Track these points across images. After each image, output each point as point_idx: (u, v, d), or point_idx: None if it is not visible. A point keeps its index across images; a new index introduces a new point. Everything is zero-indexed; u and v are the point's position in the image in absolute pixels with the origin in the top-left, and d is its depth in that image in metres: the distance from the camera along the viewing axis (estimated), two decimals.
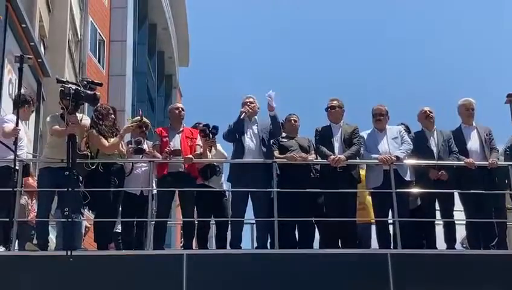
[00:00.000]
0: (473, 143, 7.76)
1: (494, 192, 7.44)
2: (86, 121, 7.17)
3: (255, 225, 7.76)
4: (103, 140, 7.16)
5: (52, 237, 7.85)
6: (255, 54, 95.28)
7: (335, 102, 7.75)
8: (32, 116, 8.77)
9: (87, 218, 8.26)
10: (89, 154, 7.07)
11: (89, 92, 6.37)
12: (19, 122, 6.81)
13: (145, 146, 7.51)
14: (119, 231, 7.87)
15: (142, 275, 6.56)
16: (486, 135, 7.78)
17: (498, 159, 7.66)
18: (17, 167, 6.68)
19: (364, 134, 7.73)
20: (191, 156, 7.38)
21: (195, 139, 7.63)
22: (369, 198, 7.92)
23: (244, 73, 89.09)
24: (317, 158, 7.60)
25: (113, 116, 7.46)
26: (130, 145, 7.54)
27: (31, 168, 7.78)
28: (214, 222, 7.98)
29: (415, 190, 7.54)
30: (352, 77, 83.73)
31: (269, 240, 7.36)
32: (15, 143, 6.53)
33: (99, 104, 7.08)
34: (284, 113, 8.02)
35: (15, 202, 6.68)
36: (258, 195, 7.30)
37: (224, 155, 7.98)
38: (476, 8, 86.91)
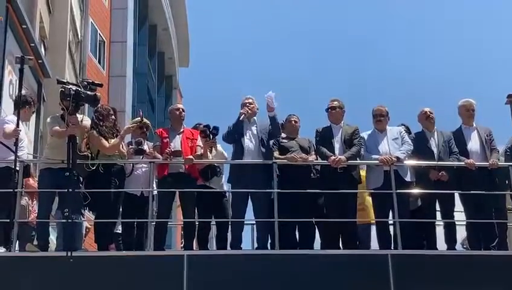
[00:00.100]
0: (473, 144, 7.76)
1: (494, 193, 7.43)
2: (87, 122, 7.18)
3: (255, 226, 7.77)
4: (103, 141, 7.17)
5: (53, 237, 7.86)
6: (255, 55, 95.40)
7: (335, 103, 7.75)
8: (33, 117, 8.76)
9: (88, 219, 8.26)
10: (90, 155, 7.08)
11: (89, 93, 6.38)
12: (20, 123, 6.82)
13: (145, 147, 7.52)
14: (120, 231, 7.87)
15: (143, 276, 6.56)
16: (487, 136, 7.78)
17: (498, 159, 7.66)
18: (17, 168, 6.69)
19: (364, 135, 7.73)
20: (191, 156, 7.38)
21: (196, 140, 7.63)
22: (368, 199, 7.92)
23: (245, 73, 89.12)
24: (317, 159, 7.60)
25: (113, 117, 7.46)
26: (130, 146, 7.54)
27: (32, 169, 7.79)
28: (214, 223, 7.98)
29: (416, 191, 7.54)
30: (352, 77, 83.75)
31: (269, 241, 7.36)
32: (16, 144, 6.54)
33: (99, 105, 7.09)
34: (284, 114, 8.03)
35: (15, 202, 6.68)
36: (258, 196, 7.31)
37: (224, 156, 7.98)
38: (477, 8, 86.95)
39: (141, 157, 7.49)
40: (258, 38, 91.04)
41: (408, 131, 7.94)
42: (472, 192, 7.35)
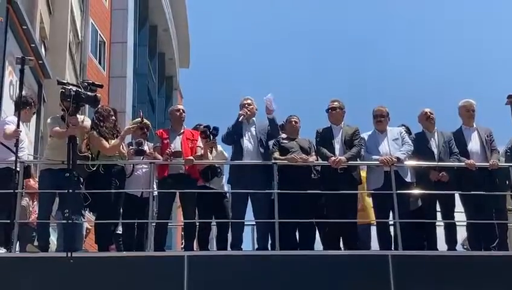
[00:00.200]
0: (474, 144, 7.76)
1: (494, 193, 7.43)
2: (87, 122, 7.18)
3: (255, 226, 7.76)
4: (104, 142, 7.17)
5: (53, 238, 7.86)
6: (256, 56, 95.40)
7: (336, 103, 7.75)
8: (33, 117, 8.76)
9: (88, 219, 8.26)
10: (90, 155, 7.08)
11: (89, 93, 6.38)
12: (20, 124, 6.82)
13: (145, 148, 7.52)
14: (120, 232, 7.87)
15: (143, 276, 6.56)
16: (487, 136, 7.78)
17: (499, 160, 7.66)
18: (18, 169, 6.69)
19: (365, 135, 7.73)
20: (191, 157, 7.39)
21: (196, 140, 7.64)
22: (368, 199, 7.93)
23: (245, 74, 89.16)
24: (317, 159, 7.60)
25: (113, 117, 7.46)
26: (130, 147, 7.54)
27: (32, 170, 7.79)
28: (214, 224, 7.98)
29: (416, 191, 7.55)
30: (352, 78, 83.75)
31: (270, 241, 7.36)
32: (16, 145, 6.53)
33: (100, 106, 7.09)
34: (285, 115, 8.04)
35: (16, 203, 6.69)
36: (258, 196, 7.31)
37: (225, 156, 7.99)
38: (477, 8, 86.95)
39: (141, 158, 7.49)
40: (258, 39, 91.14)
41: (408, 131, 7.94)
42: (472, 192, 7.36)
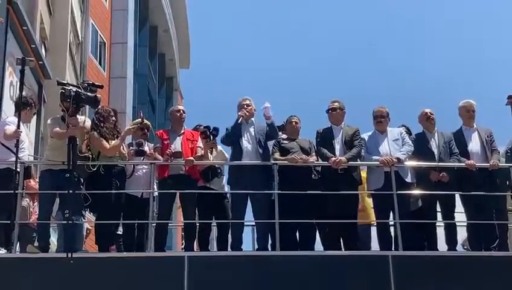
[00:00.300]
0: (474, 145, 7.76)
1: (495, 194, 7.43)
2: (87, 123, 7.19)
3: (255, 227, 7.77)
4: (104, 142, 7.17)
5: (54, 239, 7.86)
6: (256, 56, 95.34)
7: (336, 104, 7.76)
8: (33, 118, 8.76)
9: (89, 220, 8.26)
10: (90, 156, 7.08)
11: (89, 94, 6.39)
12: (21, 124, 6.82)
13: (146, 148, 7.52)
14: (120, 233, 7.87)
15: (143, 277, 6.56)
16: (487, 137, 7.79)
17: (499, 160, 7.66)
18: (18, 169, 6.69)
19: (365, 136, 7.73)
20: (191, 158, 7.39)
21: (196, 141, 7.64)
22: (368, 200, 7.93)
23: (245, 75, 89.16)
24: (318, 160, 7.61)
25: (114, 118, 7.47)
26: (131, 148, 7.55)
27: (33, 171, 7.79)
28: (215, 224, 7.98)
29: (416, 192, 7.55)
30: (353, 78, 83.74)
31: (270, 242, 7.36)
32: (16, 145, 6.54)
33: (100, 106, 7.08)
34: (285, 116, 8.04)
35: (16, 204, 6.69)
36: (258, 197, 7.31)
37: (225, 156, 7.99)
38: (477, 8, 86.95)
39: (142, 158, 7.49)
40: (258, 39, 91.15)
41: (408, 132, 7.95)
42: (472, 193, 7.36)
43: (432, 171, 7.49)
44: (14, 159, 6.58)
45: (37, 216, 7.56)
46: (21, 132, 6.78)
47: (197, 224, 7.67)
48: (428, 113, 7.86)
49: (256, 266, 6.76)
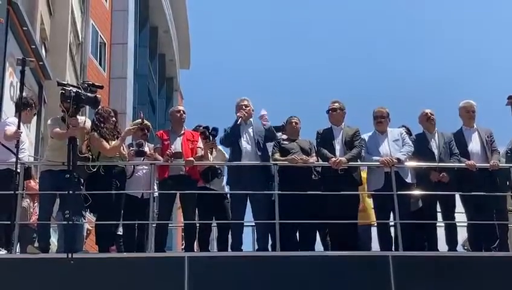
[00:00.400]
0: (474, 145, 7.76)
1: (495, 194, 7.43)
2: (88, 123, 7.19)
3: (255, 227, 7.77)
4: (104, 143, 7.17)
5: (54, 239, 7.86)
6: (256, 57, 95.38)
7: (336, 104, 7.76)
8: (34, 118, 8.76)
9: (89, 220, 8.26)
10: (90, 156, 7.08)
11: (89, 94, 6.39)
12: (21, 125, 6.82)
13: (146, 149, 7.52)
14: (121, 233, 7.87)
15: (144, 277, 6.56)
16: (487, 137, 7.79)
17: (499, 161, 7.66)
18: (18, 170, 6.69)
19: (365, 136, 7.73)
20: (192, 158, 7.39)
21: (196, 142, 7.64)
22: (369, 200, 7.93)
23: (245, 75, 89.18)
24: (318, 160, 7.61)
25: (114, 118, 7.46)
26: (131, 148, 7.54)
27: (33, 171, 7.79)
28: (215, 224, 7.98)
29: (416, 192, 7.55)
30: (353, 78, 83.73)
31: (270, 242, 7.36)
32: (17, 146, 6.54)
33: (100, 107, 7.08)
34: (285, 116, 8.04)
35: (16, 204, 6.69)
36: (257, 197, 7.31)
37: (225, 156, 7.99)
38: (478, 8, 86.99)
39: (142, 159, 7.49)
40: (258, 40, 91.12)
41: (409, 132, 7.95)
42: (473, 193, 7.35)
43: (432, 171, 7.48)
44: (14, 159, 6.58)
45: (37, 217, 7.56)
46: (21, 132, 6.78)
47: (197, 224, 7.67)
48: (429, 114, 7.86)
49: (257, 267, 6.76)
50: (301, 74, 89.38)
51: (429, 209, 7.56)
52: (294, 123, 7.92)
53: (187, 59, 38.26)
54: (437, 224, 7.66)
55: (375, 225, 7.75)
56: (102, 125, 7.26)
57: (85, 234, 8.17)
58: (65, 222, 6.52)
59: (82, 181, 7.06)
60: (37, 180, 7.68)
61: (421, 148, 7.66)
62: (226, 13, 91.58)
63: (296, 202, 7.15)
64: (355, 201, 7.50)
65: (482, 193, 7.30)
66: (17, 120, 6.83)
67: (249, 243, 8.38)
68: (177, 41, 33.79)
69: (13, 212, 6.57)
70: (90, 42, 20.16)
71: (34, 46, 12.69)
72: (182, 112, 7.87)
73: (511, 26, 79.01)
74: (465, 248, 8.75)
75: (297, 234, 7.50)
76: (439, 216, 7.67)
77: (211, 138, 7.61)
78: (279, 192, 7.13)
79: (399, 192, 7.19)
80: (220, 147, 8.03)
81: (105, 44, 21.81)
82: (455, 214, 7.70)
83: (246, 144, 7.50)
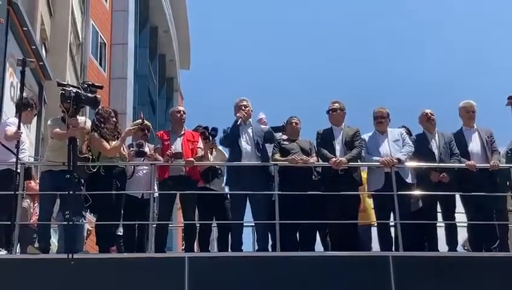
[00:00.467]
0: (474, 145, 7.76)
1: (495, 194, 7.43)
2: (88, 124, 7.19)
3: (255, 228, 7.77)
4: (105, 143, 7.17)
5: (54, 240, 7.86)
6: (256, 57, 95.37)
7: (336, 104, 7.76)
8: (34, 119, 8.77)
9: (89, 221, 8.26)
10: (91, 157, 7.08)
11: (89, 95, 6.38)
12: (21, 125, 6.82)
13: (146, 149, 7.52)
14: (121, 233, 7.87)
15: (144, 278, 6.56)
16: (488, 137, 7.79)
17: (499, 161, 7.66)
18: (19, 170, 6.69)
19: (365, 136, 7.73)
20: (192, 159, 7.39)
21: (197, 142, 7.64)
22: (369, 200, 7.93)
23: (246, 76, 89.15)
24: (318, 161, 7.61)
25: (114, 119, 7.47)
26: (131, 148, 7.55)
27: (33, 171, 7.79)
28: (215, 225, 7.98)
29: (417, 192, 7.55)
30: (353, 79, 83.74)
31: (270, 243, 7.36)
32: (17, 146, 6.54)
33: (100, 107, 7.08)
34: (285, 116, 8.04)
35: (17, 205, 6.69)
36: (257, 198, 7.31)
37: (225, 156, 7.99)
38: (478, 8, 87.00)
39: (142, 159, 7.49)
40: (258, 40, 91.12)
41: (409, 133, 7.95)
42: (473, 193, 7.35)
43: (432, 171, 7.48)
44: (14, 160, 6.58)
45: (37, 217, 7.56)
46: (21, 133, 6.78)
47: (197, 225, 7.67)
48: (429, 114, 7.86)
49: (257, 267, 6.76)
50: (301, 74, 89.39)
51: (429, 210, 7.56)
52: (294, 123, 7.92)
53: (187, 59, 38.26)
54: (437, 224, 7.66)
55: (375, 225, 7.75)
56: (102, 125, 7.26)
57: (85, 234, 8.17)
58: (65, 223, 6.52)
59: (82, 181, 7.07)
60: (37, 181, 7.68)
61: (421, 148, 7.66)
62: (226, 13, 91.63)
63: (296, 202, 7.15)
64: (355, 201, 7.50)
65: (482, 193, 7.30)
66: (17, 120, 6.83)
67: (249, 244, 8.38)
68: (177, 41, 33.80)
69: (13, 212, 6.57)
70: (91, 42, 20.16)
71: (34, 47, 12.70)
72: (182, 112, 7.87)
73: (511, 26, 79.03)
74: (466, 248, 8.75)
75: (298, 235, 7.50)
76: (440, 216, 7.67)
77: (211, 138, 7.62)
78: (280, 192, 7.13)
79: (399, 192, 7.19)
80: (220, 147, 8.03)
81: (105, 44, 21.81)
82: (455, 215, 7.70)
83: (245, 145, 7.50)
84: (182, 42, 35.27)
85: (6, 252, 6.64)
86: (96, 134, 7.18)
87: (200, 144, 7.64)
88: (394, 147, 7.56)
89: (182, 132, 7.69)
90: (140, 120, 7.75)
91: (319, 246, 7.70)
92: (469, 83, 72.11)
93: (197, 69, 57.44)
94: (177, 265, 6.62)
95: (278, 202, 7.05)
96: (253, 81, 79.74)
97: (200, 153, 7.57)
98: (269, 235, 7.40)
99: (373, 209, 7.72)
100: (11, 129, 6.86)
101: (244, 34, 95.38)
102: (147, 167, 7.48)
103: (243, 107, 7.57)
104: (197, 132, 7.80)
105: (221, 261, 6.96)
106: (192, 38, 37.13)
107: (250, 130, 7.60)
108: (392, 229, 7.41)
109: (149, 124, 7.99)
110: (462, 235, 7.80)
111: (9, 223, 6.52)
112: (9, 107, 10.66)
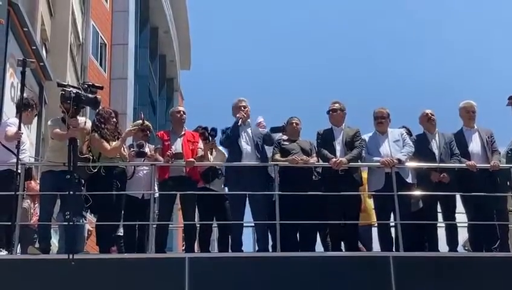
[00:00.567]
0: (475, 145, 7.76)
1: (495, 194, 7.43)
2: (88, 124, 7.19)
3: (255, 228, 7.76)
4: (105, 143, 7.17)
5: (55, 240, 7.86)
6: (257, 57, 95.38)
7: (336, 105, 7.76)
8: (35, 119, 8.77)
9: (89, 221, 8.26)
10: (91, 157, 7.08)
11: (89, 95, 6.38)
12: (22, 126, 6.82)
13: (146, 149, 7.52)
14: (121, 234, 7.87)
15: (144, 278, 6.57)
16: (488, 137, 7.78)
17: (500, 161, 7.66)
18: (19, 171, 6.69)
19: (366, 137, 7.73)
20: (192, 159, 7.39)
21: (197, 142, 7.64)
22: (369, 201, 7.93)
23: (246, 76, 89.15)
24: (318, 161, 7.61)
25: (115, 119, 7.47)
26: (131, 149, 7.55)
27: (33, 172, 7.79)
28: (215, 225, 7.98)
29: (417, 193, 7.55)
30: (353, 79, 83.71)
31: (271, 243, 7.36)
32: (17, 147, 6.54)
33: (101, 108, 7.09)
34: (286, 117, 8.04)
35: (17, 205, 6.69)
36: (256, 198, 7.31)
37: (225, 156, 7.98)
38: (479, 8, 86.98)
39: (142, 159, 7.50)
40: (258, 40, 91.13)
41: (409, 133, 7.95)
42: (473, 194, 7.35)
43: (432, 172, 7.48)
44: (15, 160, 6.58)
45: (38, 217, 7.56)
46: (22, 133, 6.79)
47: (198, 225, 7.67)
48: (429, 114, 7.86)
49: (257, 267, 6.76)
50: (301, 74, 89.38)
51: (430, 210, 7.56)
52: (294, 124, 7.92)
53: (187, 60, 38.27)
54: (437, 224, 7.66)
55: (376, 225, 7.75)
56: (102, 126, 7.26)
57: (86, 234, 8.17)
58: (66, 223, 6.52)
59: (83, 182, 7.07)
60: (38, 181, 7.68)
61: (422, 148, 7.66)
62: (226, 14, 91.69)
63: (297, 202, 7.15)
64: (355, 201, 7.50)
65: (483, 194, 7.30)
66: (17, 121, 6.83)
67: (249, 244, 8.38)
68: (178, 41, 33.80)
69: (14, 213, 6.58)
70: (91, 43, 20.17)
71: (34, 47, 12.71)
72: (182, 112, 7.87)
73: (511, 26, 79.01)
74: (466, 248, 8.75)
75: (298, 235, 7.50)
76: (440, 217, 7.67)
77: (210, 138, 7.61)
78: (280, 192, 7.13)
79: (399, 192, 7.19)
80: (220, 147, 8.03)
81: (105, 45, 21.82)
82: (456, 215, 7.69)
83: (245, 145, 7.50)
84: (182, 43, 35.27)
85: (6, 252, 6.64)
86: (96, 134, 7.18)
87: (201, 144, 7.64)
88: (394, 147, 7.56)
89: (182, 132, 7.69)
90: (140, 121, 7.75)
91: (319, 247, 7.70)
92: (469, 83, 72.20)
93: (197, 70, 57.60)
94: (178, 265, 6.62)
95: (278, 202, 7.05)
96: (254, 82, 79.82)
97: (200, 153, 7.57)
98: (269, 236, 7.41)
99: (373, 210, 7.72)
100: (12, 130, 6.86)
101: (244, 34, 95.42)
102: (147, 168, 7.48)
103: (242, 108, 7.57)
104: (197, 132, 7.80)
105: (221, 261, 6.96)
106: (193, 38, 37.20)
107: (249, 131, 7.61)
108: (393, 230, 7.41)
109: (149, 124, 7.98)
110: (463, 235, 7.80)
111: (9, 223, 6.53)
112: (9, 108, 10.66)
